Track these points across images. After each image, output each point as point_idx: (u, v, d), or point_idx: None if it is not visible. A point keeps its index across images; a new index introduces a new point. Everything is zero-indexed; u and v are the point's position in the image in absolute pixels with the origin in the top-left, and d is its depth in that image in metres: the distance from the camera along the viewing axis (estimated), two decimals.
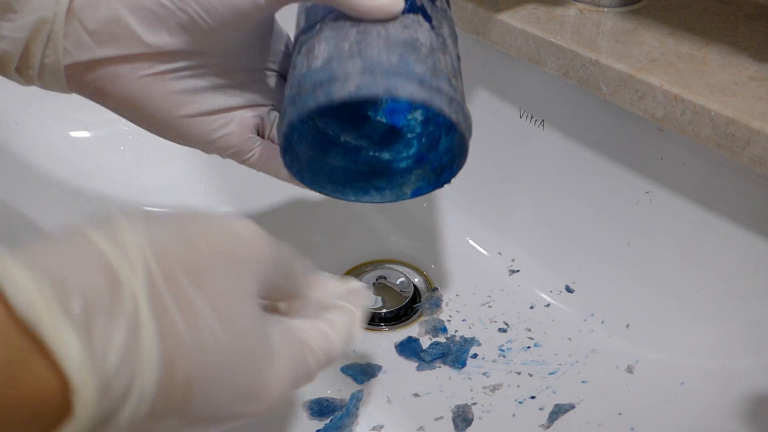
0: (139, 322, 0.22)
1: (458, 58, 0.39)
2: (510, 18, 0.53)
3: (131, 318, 0.22)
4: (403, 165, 0.43)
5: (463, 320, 0.56)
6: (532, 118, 0.58)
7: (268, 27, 0.41)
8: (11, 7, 0.35)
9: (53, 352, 0.21)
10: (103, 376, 0.21)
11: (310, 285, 0.33)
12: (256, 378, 0.27)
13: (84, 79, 0.37)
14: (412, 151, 0.43)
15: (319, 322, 0.32)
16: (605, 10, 0.54)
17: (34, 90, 0.41)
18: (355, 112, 0.42)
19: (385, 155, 0.43)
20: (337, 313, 0.33)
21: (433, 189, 0.42)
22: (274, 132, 0.42)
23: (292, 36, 0.42)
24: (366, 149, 0.43)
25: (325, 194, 0.42)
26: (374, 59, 0.34)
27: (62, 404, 0.21)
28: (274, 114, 0.43)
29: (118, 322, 0.22)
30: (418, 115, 0.43)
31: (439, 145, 0.42)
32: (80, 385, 0.21)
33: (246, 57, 0.40)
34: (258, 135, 0.42)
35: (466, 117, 0.37)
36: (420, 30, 0.36)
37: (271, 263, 0.28)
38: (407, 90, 0.33)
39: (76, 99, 0.40)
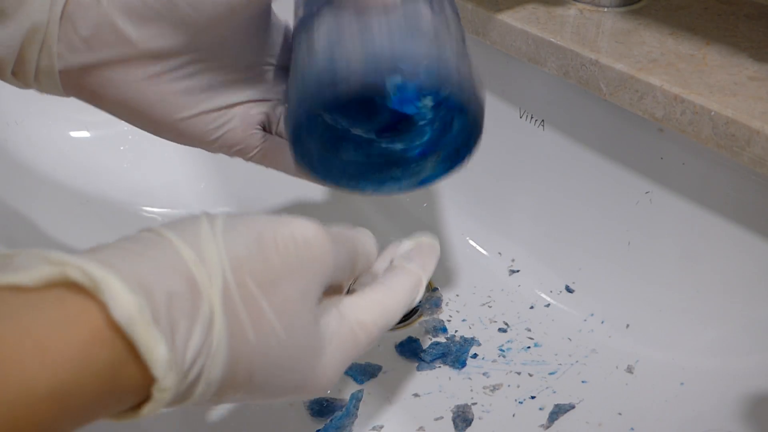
0: (213, 326, 0.26)
1: (463, 39, 0.38)
2: (510, 18, 0.53)
3: (207, 322, 0.25)
4: (417, 152, 0.42)
5: (463, 320, 0.56)
6: (532, 118, 0.58)
7: (264, 19, 0.40)
8: (4, 12, 0.35)
9: (145, 357, 0.24)
10: (180, 371, 0.25)
11: (376, 260, 0.36)
12: (309, 370, 0.30)
13: (79, 83, 0.37)
14: (426, 138, 0.42)
15: (379, 292, 0.34)
16: (605, 10, 0.54)
17: (33, 90, 0.41)
18: (363, 105, 0.42)
19: (399, 145, 0.42)
20: (398, 276, 0.35)
21: (450, 171, 0.41)
22: (282, 127, 0.42)
23: (291, 25, 0.41)
24: (378, 141, 0.42)
25: (341, 188, 0.41)
26: (377, 49, 0.33)
27: (146, 392, 0.25)
28: (281, 109, 0.42)
29: (197, 327, 0.25)
30: (428, 101, 0.42)
31: (452, 128, 0.41)
32: (162, 379, 0.24)
33: (244, 52, 0.39)
34: (264, 130, 0.42)
35: (477, 97, 0.36)
36: (422, 13, 0.35)
37: (335, 265, 0.31)
38: (414, 78, 0.33)
39: (75, 99, 0.40)
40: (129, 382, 0.24)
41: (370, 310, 0.33)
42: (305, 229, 0.29)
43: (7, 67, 0.36)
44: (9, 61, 0.36)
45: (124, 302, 0.23)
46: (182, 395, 0.26)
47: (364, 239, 0.35)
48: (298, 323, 0.28)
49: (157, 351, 0.24)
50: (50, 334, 0.22)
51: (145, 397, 0.25)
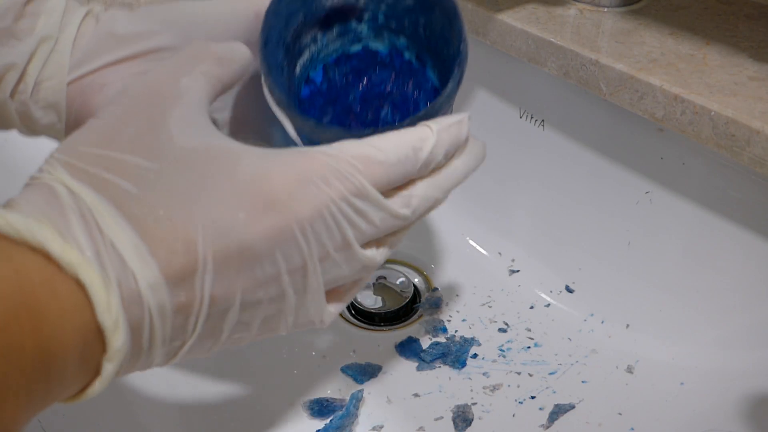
0: (75, 193, 0.25)
1: None
2: (510, 18, 0.53)
3: (67, 194, 0.25)
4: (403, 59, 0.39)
5: (463, 320, 0.56)
6: (532, 118, 0.58)
7: None
8: (15, 35, 0.35)
9: (30, 242, 0.24)
10: (74, 240, 0.24)
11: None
12: (237, 177, 0.26)
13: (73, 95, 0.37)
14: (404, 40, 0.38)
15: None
16: (605, 10, 0.54)
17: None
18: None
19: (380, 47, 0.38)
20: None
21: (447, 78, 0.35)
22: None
23: None
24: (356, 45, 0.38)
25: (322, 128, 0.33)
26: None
27: (68, 288, 0.24)
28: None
29: (60, 202, 0.25)
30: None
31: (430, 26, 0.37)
32: (55, 248, 0.24)
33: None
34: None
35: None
36: None
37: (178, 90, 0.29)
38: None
39: None
40: (49, 286, 0.23)
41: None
42: (125, 85, 0.29)
43: (7, 87, 0.36)
44: (11, 80, 0.36)
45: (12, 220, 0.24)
46: (121, 277, 0.24)
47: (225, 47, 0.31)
48: (160, 146, 0.26)
49: (17, 223, 0.23)
50: None
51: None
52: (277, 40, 0.33)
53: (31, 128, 0.39)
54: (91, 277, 0.24)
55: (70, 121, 0.37)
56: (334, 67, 0.38)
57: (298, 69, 0.36)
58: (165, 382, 0.51)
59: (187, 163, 0.26)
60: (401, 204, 0.30)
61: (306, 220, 0.27)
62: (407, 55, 0.38)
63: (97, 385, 0.25)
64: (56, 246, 0.24)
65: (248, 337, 0.29)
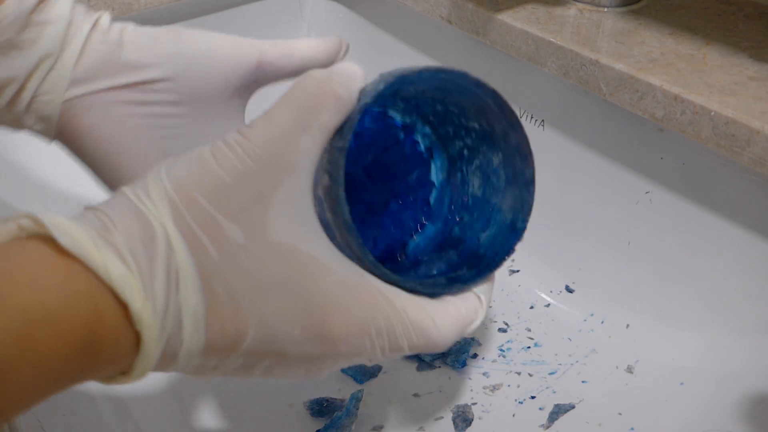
0: (172, 247, 0.25)
1: None
2: (510, 18, 0.53)
3: (164, 245, 0.25)
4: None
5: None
6: (532, 118, 0.58)
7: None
8: (17, 46, 0.35)
9: (102, 275, 0.24)
10: (153, 298, 0.25)
11: None
12: (309, 298, 0.27)
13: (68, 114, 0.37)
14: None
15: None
16: (605, 10, 0.54)
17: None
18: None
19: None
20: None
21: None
22: None
23: None
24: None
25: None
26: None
27: (130, 334, 0.25)
28: None
29: (155, 248, 0.25)
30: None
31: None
32: (132, 301, 0.24)
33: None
34: None
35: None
36: None
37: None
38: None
39: None
40: (105, 315, 0.24)
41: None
42: (236, 134, 0.27)
43: (4, 99, 0.36)
44: (9, 92, 0.36)
45: (68, 229, 0.24)
46: (172, 336, 0.25)
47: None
48: (264, 229, 0.26)
49: (112, 267, 0.24)
50: (20, 273, 0.23)
51: (136, 346, 0.25)
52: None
53: (16, 128, 0.38)
54: (152, 336, 0.25)
55: (54, 131, 0.38)
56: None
57: None
58: (165, 382, 0.51)
59: (275, 260, 0.26)
60: None
61: (343, 357, 0.29)
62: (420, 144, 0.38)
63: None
64: (138, 304, 0.24)
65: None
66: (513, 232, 0.34)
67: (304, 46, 0.37)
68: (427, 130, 0.38)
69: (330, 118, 0.28)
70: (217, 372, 0.29)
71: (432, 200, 0.38)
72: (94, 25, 0.37)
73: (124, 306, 0.24)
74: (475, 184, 0.37)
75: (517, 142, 0.34)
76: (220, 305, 0.26)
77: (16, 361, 0.22)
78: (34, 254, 0.24)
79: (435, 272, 0.35)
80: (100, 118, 0.36)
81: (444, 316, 0.31)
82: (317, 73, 0.28)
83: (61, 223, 0.24)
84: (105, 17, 0.38)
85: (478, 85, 0.32)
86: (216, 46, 0.37)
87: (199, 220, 0.26)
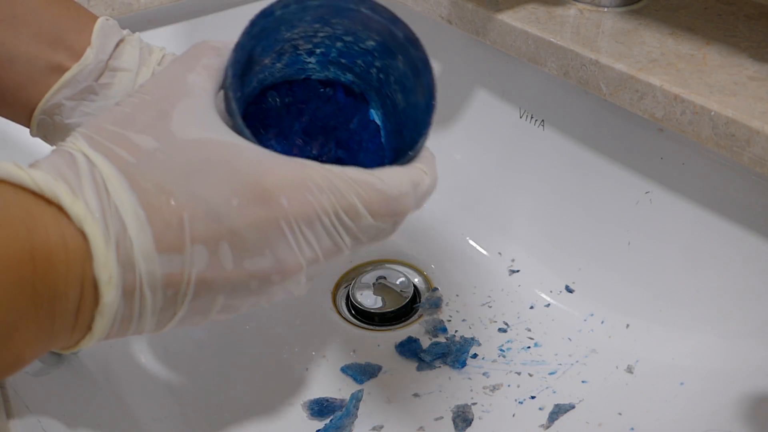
0: (91, 161, 0.28)
1: None
2: (510, 18, 0.53)
3: (84, 161, 0.28)
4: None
5: (463, 320, 0.56)
6: (532, 118, 0.58)
7: None
8: (95, 90, 0.39)
9: (33, 187, 0.26)
10: (84, 197, 0.27)
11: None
12: (234, 169, 0.28)
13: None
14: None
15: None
16: (605, 10, 0.54)
17: None
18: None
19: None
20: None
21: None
22: None
23: None
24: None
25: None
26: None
27: (76, 238, 0.26)
28: None
29: (77, 166, 0.28)
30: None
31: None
32: (66, 200, 0.26)
33: None
34: None
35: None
36: None
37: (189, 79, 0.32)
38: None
39: None
40: (39, 217, 0.26)
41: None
42: (138, 86, 0.31)
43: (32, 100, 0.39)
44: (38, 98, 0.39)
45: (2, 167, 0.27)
46: (120, 238, 0.27)
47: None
48: (167, 132, 0.29)
49: (37, 176, 0.26)
50: None
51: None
52: (241, 64, 0.34)
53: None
54: (94, 231, 0.26)
55: None
56: (276, 93, 0.38)
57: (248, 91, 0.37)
58: (166, 382, 0.51)
59: (192, 150, 0.29)
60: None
61: (294, 220, 0.28)
62: (351, 90, 0.39)
63: (87, 339, 0.28)
64: (67, 199, 0.26)
65: (233, 314, 0.32)
66: (428, 113, 0.33)
67: None
68: (349, 76, 0.38)
69: (209, 60, 0.32)
70: (186, 311, 0.29)
71: (383, 140, 0.39)
72: (160, 62, 0.41)
73: (58, 207, 0.26)
74: (399, 99, 0.37)
75: (403, 35, 0.34)
76: (153, 198, 0.27)
77: None
78: None
79: None
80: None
81: (387, 173, 0.31)
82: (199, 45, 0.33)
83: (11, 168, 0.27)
84: (164, 54, 0.41)
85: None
86: None
87: (111, 139, 0.29)
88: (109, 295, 0.27)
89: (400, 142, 0.37)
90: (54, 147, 0.30)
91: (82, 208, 0.26)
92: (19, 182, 0.26)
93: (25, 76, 0.39)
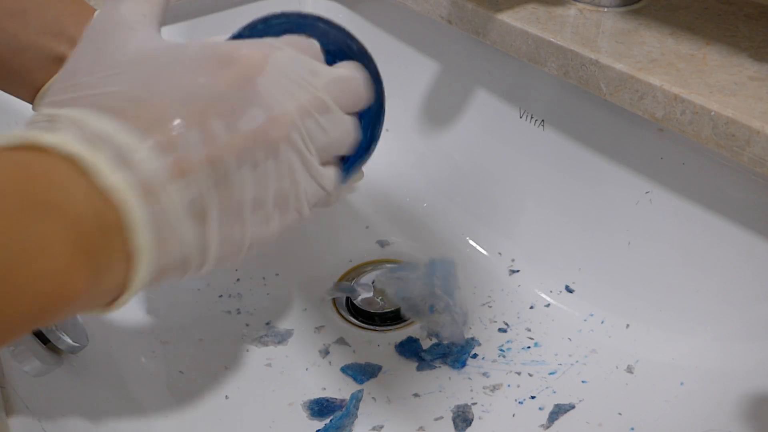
0: (57, 114, 0.28)
1: None
2: (510, 18, 0.53)
3: (43, 120, 0.28)
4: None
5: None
6: (532, 118, 0.58)
7: None
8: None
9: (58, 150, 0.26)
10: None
11: None
12: (188, 54, 0.29)
13: None
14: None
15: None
16: (605, 10, 0.54)
17: None
18: None
19: None
20: None
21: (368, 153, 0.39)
22: None
23: None
24: None
25: None
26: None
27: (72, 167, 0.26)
28: None
29: (55, 119, 0.28)
30: None
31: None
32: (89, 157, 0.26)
33: None
34: None
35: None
36: None
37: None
38: (285, 13, 0.35)
39: None
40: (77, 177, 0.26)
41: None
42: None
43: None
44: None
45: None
46: (109, 147, 0.27)
47: None
48: (112, 58, 0.30)
49: (7, 133, 0.26)
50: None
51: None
52: None
53: None
54: (78, 149, 0.26)
55: None
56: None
57: None
58: (165, 382, 0.51)
59: (143, 60, 0.29)
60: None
61: (261, 67, 0.30)
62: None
63: (142, 265, 0.27)
64: (45, 137, 0.26)
65: (271, 225, 0.31)
66: (378, 118, 0.38)
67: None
68: None
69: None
70: (219, 213, 0.29)
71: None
72: None
73: (51, 153, 0.26)
74: None
75: (357, 47, 0.37)
76: (126, 107, 0.27)
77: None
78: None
79: None
80: None
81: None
82: None
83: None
84: None
85: (301, 15, 0.35)
86: None
87: (66, 91, 0.29)
88: (128, 202, 0.26)
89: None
90: None
91: (60, 140, 0.26)
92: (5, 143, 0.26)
93: (35, 63, 0.41)
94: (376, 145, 0.38)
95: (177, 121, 0.27)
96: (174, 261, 0.29)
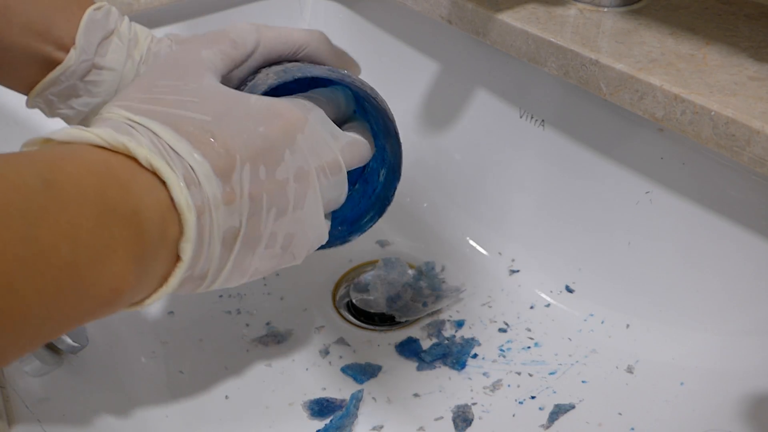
0: (137, 122, 0.32)
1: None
2: (510, 18, 0.53)
3: (127, 124, 0.31)
4: (361, 209, 0.44)
5: (464, 320, 0.56)
6: (532, 118, 0.58)
7: None
8: (78, 89, 0.41)
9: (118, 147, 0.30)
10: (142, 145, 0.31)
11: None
12: (250, 107, 0.34)
13: None
14: (355, 188, 0.45)
15: None
16: (605, 10, 0.54)
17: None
18: None
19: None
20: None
21: (387, 205, 0.43)
22: None
23: None
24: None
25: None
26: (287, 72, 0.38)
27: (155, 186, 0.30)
28: None
29: (130, 131, 0.31)
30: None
31: (378, 176, 0.44)
32: (141, 152, 0.30)
33: None
34: None
35: (379, 96, 0.39)
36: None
37: (211, 59, 0.36)
38: (315, 71, 0.37)
39: None
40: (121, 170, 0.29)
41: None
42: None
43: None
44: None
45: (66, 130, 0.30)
46: (186, 176, 0.31)
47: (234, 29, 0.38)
48: (194, 88, 0.34)
49: (106, 136, 0.29)
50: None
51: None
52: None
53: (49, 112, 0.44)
54: (162, 164, 0.30)
55: None
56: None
57: None
58: (165, 382, 0.51)
59: (216, 98, 0.34)
60: None
61: (302, 126, 0.35)
62: None
63: (178, 270, 0.31)
64: (132, 144, 0.30)
65: (273, 262, 0.36)
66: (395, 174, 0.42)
67: (299, 34, 0.42)
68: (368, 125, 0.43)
69: (225, 47, 0.37)
70: (242, 240, 0.33)
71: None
72: (147, 49, 0.42)
73: (125, 157, 0.30)
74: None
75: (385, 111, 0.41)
76: (200, 138, 0.32)
77: (55, 183, 0.27)
78: (44, 147, 0.30)
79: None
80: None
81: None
82: (218, 28, 0.38)
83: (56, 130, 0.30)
84: (151, 41, 0.43)
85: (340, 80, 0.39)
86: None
87: (145, 102, 0.32)
88: (191, 217, 0.30)
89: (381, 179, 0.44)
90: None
91: (145, 150, 0.30)
92: (88, 141, 0.30)
93: (20, 62, 0.40)
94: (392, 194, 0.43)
95: (237, 158, 0.32)
96: (196, 276, 0.33)
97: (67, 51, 0.40)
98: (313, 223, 0.37)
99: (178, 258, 0.31)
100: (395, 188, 0.42)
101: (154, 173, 0.30)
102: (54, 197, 0.26)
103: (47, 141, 0.30)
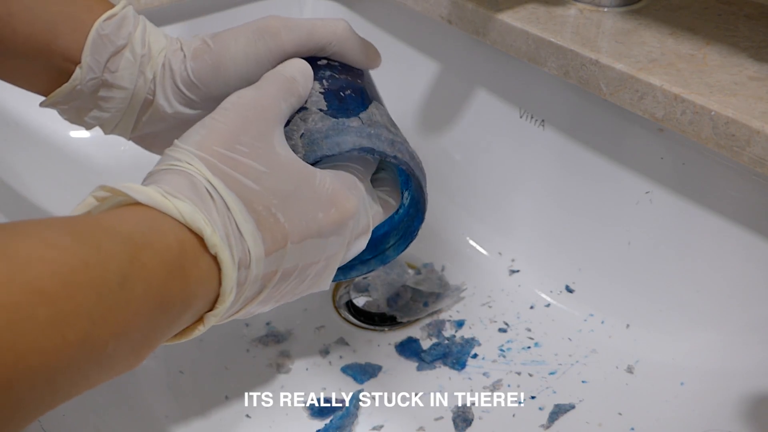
0: (213, 185, 0.32)
1: (388, 114, 0.42)
2: (510, 18, 0.53)
3: (205, 185, 0.32)
4: (380, 232, 0.45)
5: (464, 320, 0.56)
6: (532, 118, 0.58)
7: None
8: (88, 104, 0.41)
9: (169, 212, 0.31)
10: (214, 223, 0.32)
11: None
12: (315, 189, 0.36)
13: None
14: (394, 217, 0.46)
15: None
16: (605, 10, 0.54)
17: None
18: None
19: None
20: None
21: (410, 240, 0.45)
22: None
23: None
24: None
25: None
26: (313, 129, 0.38)
27: (207, 259, 0.32)
28: None
29: (201, 191, 0.32)
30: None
31: (404, 202, 0.45)
32: (207, 231, 0.31)
33: None
34: None
35: (413, 156, 0.40)
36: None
37: (279, 108, 0.37)
38: (348, 142, 0.37)
39: None
40: (185, 242, 0.31)
41: None
42: (234, 97, 0.36)
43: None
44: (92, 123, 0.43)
45: (140, 189, 0.31)
46: (241, 254, 0.32)
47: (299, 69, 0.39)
48: (270, 156, 0.34)
49: (181, 207, 0.30)
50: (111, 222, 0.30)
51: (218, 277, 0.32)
52: None
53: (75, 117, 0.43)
54: (227, 257, 0.31)
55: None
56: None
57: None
58: (166, 382, 0.51)
59: (287, 173, 0.35)
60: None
61: (354, 213, 0.37)
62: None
63: (196, 332, 0.33)
64: (207, 232, 0.31)
65: (295, 295, 0.38)
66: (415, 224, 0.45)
67: (322, 31, 0.41)
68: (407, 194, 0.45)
69: (294, 101, 0.38)
70: (282, 283, 0.36)
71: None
72: (162, 66, 0.41)
73: (196, 236, 0.31)
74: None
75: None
76: (264, 219, 0.33)
77: (130, 279, 0.27)
78: (124, 211, 0.30)
79: None
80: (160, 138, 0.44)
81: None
82: (288, 71, 0.38)
83: (134, 186, 0.31)
84: (165, 56, 0.41)
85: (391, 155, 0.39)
86: (245, 58, 0.40)
87: (225, 162, 0.33)
88: (226, 302, 0.32)
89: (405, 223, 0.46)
90: (163, 164, 0.34)
91: (218, 240, 0.31)
92: (166, 211, 0.31)
93: (31, 72, 0.40)
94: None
95: (289, 243, 0.34)
96: (229, 310, 0.34)
97: (76, 62, 0.39)
98: (334, 270, 0.39)
99: (201, 320, 0.33)
100: (420, 225, 0.45)
101: (215, 256, 0.31)
102: (124, 299, 0.27)
103: (121, 194, 0.31)
